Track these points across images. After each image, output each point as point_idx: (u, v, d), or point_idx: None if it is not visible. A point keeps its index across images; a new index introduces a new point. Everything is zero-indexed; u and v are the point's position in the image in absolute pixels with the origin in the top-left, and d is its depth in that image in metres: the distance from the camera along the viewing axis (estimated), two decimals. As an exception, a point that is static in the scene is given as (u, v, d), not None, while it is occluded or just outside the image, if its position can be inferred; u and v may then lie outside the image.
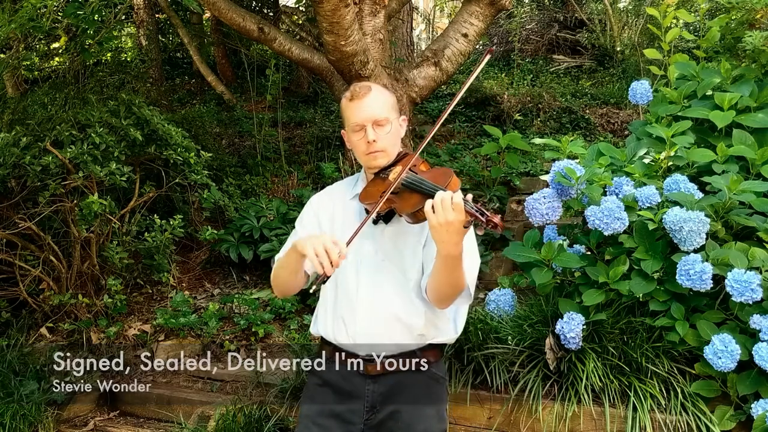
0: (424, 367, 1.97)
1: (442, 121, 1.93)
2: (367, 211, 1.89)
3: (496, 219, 1.59)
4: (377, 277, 1.90)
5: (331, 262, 1.63)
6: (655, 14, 3.45)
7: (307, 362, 2.08)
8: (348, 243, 1.71)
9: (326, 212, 2.00)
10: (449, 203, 1.60)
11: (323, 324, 1.99)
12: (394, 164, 1.92)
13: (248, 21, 5.15)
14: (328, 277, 1.65)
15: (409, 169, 1.85)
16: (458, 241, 1.66)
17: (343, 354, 1.96)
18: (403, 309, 1.91)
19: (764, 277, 2.48)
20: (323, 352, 2.02)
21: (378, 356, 1.92)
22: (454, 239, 1.64)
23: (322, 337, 2.02)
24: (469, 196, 1.65)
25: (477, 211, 1.60)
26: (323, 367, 2.00)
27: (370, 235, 1.92)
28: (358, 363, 1.93)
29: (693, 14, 4.89)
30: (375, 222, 1.92)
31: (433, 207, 1.62)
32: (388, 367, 1.93)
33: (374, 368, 1.93)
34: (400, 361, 1.93)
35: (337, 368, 1.96)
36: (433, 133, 1.93)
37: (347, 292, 1.92)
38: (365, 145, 1.89)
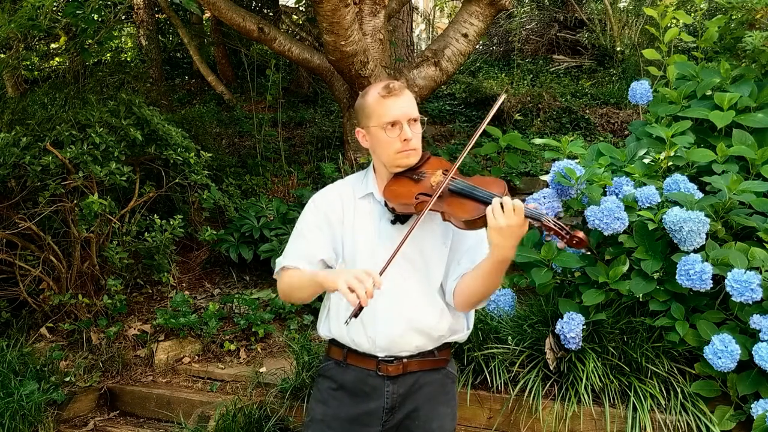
0: (440, 365, 1.96)
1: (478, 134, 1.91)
2: (391, 209, 1.86)
3: (581, 234, 1.64)
4: (399, 280, 1.84)
5: (366, 292, 1.59)
6: (653, 14, 3.45)
7: (325, 365, 2.02)
8: (382, 272, 1.67)
9: (335, 213, 1.93)
10: (511, 208, 1.63)
11: (336, 325, 1.93)
12: (421, 165, 1.91)
13: (248, 21, 5.16)
14: (362, 308, 1.62)
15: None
16: (515, 245, 1.68)
17: (359, 355, 1.91)
18: (427, 314, 1.89)
19: (764, 277, 2.48)
20: (332, 355, 1.98)
21: (397, 357, 1.89)
22: (512, 243, 1.67)
23: (332, 339, 1.97)
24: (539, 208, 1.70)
25: (557, 226, 1.66)
26: (335, 370, 1.95)
27: (388, 236, 1.88)
28: (377, 364, 1.89)
29: (691, 15, 4.89)
30: (393, 222, 1.89)
31: (493, 211, 1.64)
32: (407, 368, 1.90)
33: (395, 369, 1.89)
34: (419, 361, 1.91)
35: (351, 370, 1.92)
36: (470, 144, 1.90)
37: None
38: (399, 142, 1.84)
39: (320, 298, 2.02)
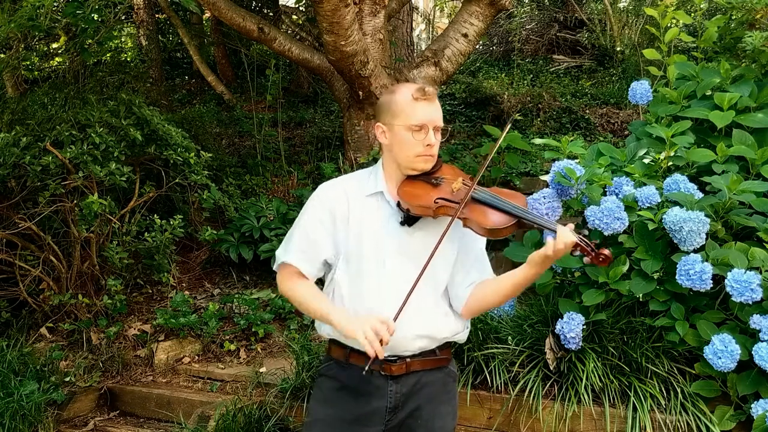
0: (442, 364, 1.97)
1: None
2: (405, 210, 1.86)
3: (606, 252, 1.71)
4: (405, 282, 1.79)
5: (381, 342, 1.67)
6: (653, 14, 3.45)
7: (327, 365, 2.02)
8: (395, 318, 1.73)
9: (341, 210, 1.91)
10: (564, 239, 1.71)
11: None
12: (436, 171, 1.92)
13: (248, 21, 5.16)
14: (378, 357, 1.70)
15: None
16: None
17: (362, 355, 1.86)
18: (433, 316, 1.89)
19: (764, 277, 2.48)
20: (334, 355, 1.96)
21: (401, 356, 1.89)
22: (551, 262, 1.78)
23: (333, 339, 1.96)
24: (571, 226, 1.74)
25: (584, 243, 1.73)
26: (337, 370, 1.94)
27: (395, 237, 1.87)
28: (380, 364, 1.86)
29: (691, 15, 4.89)
30: (402, 224, 1.89)
31: (555, 242, 1.71)
32: (410, 368, 1.90)
33: (398, 369, 1.89)
34: (421, 360, 1.92)
35: (354, 370, 1.90)
36: (486, 163, 1.98)
37: (369, 294, 1.86)
38: (422, 146, 1.85)
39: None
